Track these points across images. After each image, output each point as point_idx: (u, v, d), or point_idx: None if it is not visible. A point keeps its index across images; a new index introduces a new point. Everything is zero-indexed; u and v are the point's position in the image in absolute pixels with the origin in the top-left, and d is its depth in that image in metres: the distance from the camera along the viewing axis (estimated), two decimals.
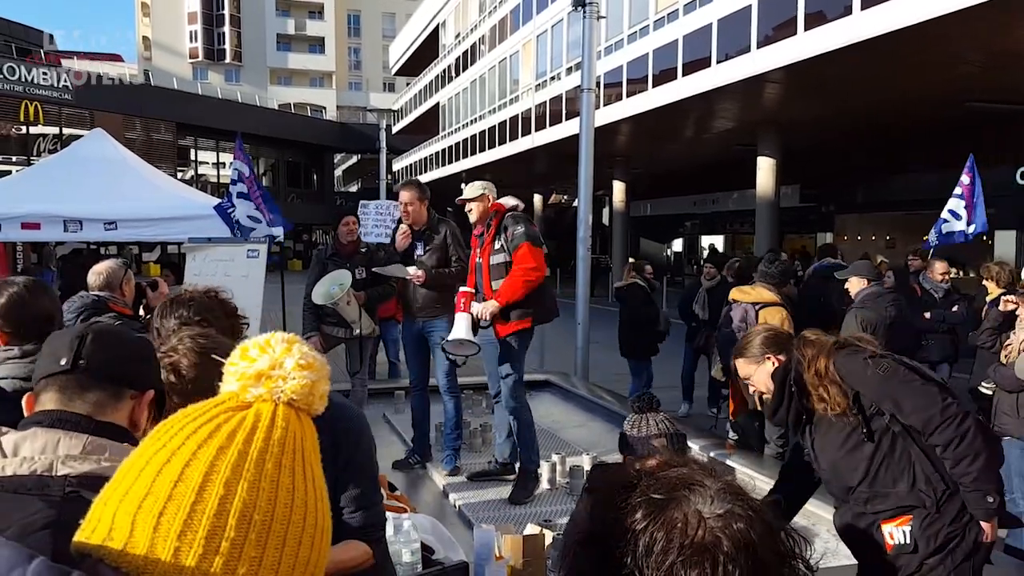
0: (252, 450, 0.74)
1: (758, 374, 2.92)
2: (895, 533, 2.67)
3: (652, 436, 2.79)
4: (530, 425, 5.34)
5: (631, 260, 11.41)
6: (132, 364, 1.63)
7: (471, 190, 5.34)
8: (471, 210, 5.32)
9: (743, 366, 2.97)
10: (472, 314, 5.09)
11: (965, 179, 8.35)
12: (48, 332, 2.78)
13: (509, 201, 5.34)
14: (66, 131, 29.99)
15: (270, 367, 0.80)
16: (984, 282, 6.90)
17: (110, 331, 1.69)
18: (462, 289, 5.24)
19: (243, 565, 0.70)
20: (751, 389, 3.02)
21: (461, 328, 5.08)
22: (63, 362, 1.55)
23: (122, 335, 1.69)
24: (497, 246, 5.14)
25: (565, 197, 41.83)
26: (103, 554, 0.71)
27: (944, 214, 8.55)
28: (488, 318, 5.06)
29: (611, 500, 0.90)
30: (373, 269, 6.13)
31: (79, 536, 0.73)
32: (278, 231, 7.98)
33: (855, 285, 5.98)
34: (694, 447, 5.99)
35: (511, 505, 5.07)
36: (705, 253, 35.36)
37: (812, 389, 2.72)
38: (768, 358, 2.90)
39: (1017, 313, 5.24)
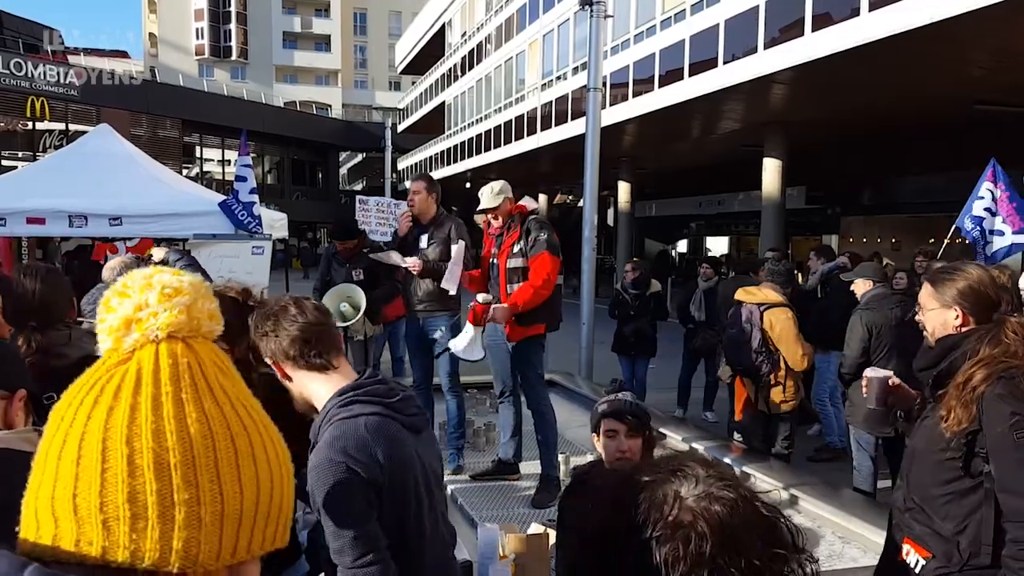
0: (143, 399, 0.70)
1: (934, 315, 2.61)
2: (911, 554, 2.53)
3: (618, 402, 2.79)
4: (553, 426, 5.34)
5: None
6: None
7: (490, 198, 5.19)
8: (497, 218, 5.23)
9: (927, 294, 2.64)
10: (484, 324, 5.04)
11: (996, 190, 7.37)
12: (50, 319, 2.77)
13: (531, 203, 5.30)
14: (72, 127, 30.00)
15: (136, 309, 0.74)
16: None
17: None
18: (479, 300, 5.15)
19: (180, 510, 0.68)
20: (918, 316, 2.72)
21: (465, 339, 5.03)
22: None
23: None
24: (516, 249, 5.09)
25: (570, 197, 41.83)
26: (39, 553, 0.68)
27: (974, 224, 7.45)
28: (502, 323, 5.04)
29: (616, 496, 0.90)
30: (369, 255, 6.13)
31: (21, 536, 0.71)
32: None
33: (861, 287, 5.95)
34: (699, 448, 5.98)
35: (531, 507, 5.08)
36: (711, 254, 35.37)
37: (951, 390, 2.39)
38: (955, 309, 2.56)
39: None
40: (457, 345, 5.03)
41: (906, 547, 2.54)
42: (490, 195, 5.22)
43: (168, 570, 0.68)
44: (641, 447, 2.76)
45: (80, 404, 0.71)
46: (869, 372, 2.89)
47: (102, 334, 0.75)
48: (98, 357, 0.78)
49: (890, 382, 2.83)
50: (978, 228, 7.41)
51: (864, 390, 2.92)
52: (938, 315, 2.60)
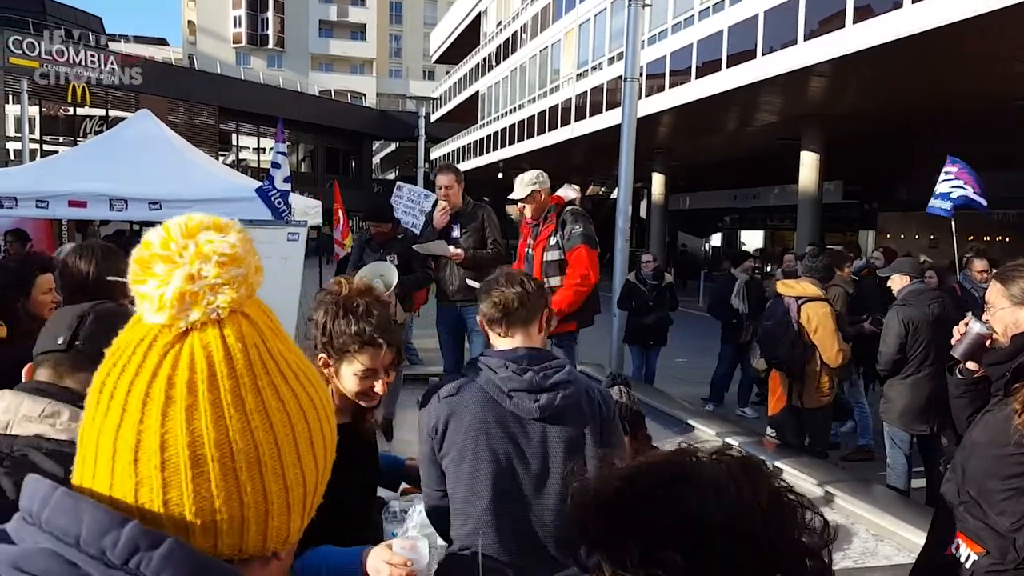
0: (223, 393, 0.66)
1: (1005, 313, 2.56)
2: (962, 548, 2.46)
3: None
4: None
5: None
6: None
7: (521, 188, 5.18)
8: (524, 208, 5.23)
9: (997, 292, 2.60)
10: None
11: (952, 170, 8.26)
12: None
13: (568, 193, 5.26)
14: (112, 113, 30.52)
15: (189, 280, 0.66)
16: None
17: (112, 313, 1.63)
18: None
19: (273, 501, 0.69)
20: (985, 316, 2.66)
21: None
22: (60, 341, 1.57)
23: (124, 318, 1.63)
24: (553, 242, 5.05)
25: (603, 189, 41.64)
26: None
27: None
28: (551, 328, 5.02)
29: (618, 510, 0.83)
30: (413, 246, 6.13)
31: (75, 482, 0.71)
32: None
33: (898, 282, 5.87)
34: (732, 443, 5.94)
35: None
36: (745, 248, 35.04)
37: None
38: None
39: None
40: None
41: (957, 541, 2.49)
42: (520, 185, 5.20)
43: (263, 555, 0.70)
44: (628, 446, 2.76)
45: (132, 385, 0.67)
46: (974, 325, 2.70)
47: (148, 303, 0.68)
48: None
49: (988, 342, 2.69)
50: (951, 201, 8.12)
51: (956, 336, 2.74)
52: (1009, 313, 2.56)
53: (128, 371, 0.68)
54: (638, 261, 9.40)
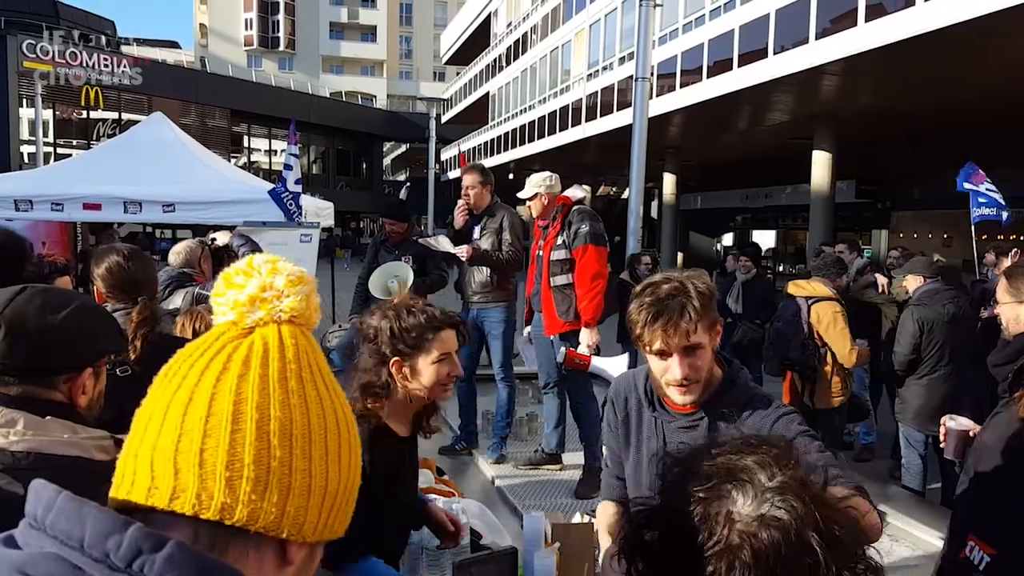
0: (272, 371, 0.75)
1: (1007, 309, 2.62)
2: (974, 551, 2.40)
3: None
4: (597, 417, 5.30)
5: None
6: (55, 351, 1.48)
7: (529, 188, 5.23)
8: (529, 207, 5.29)
9: (1002, 288, 2.65)
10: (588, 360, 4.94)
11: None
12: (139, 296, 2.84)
13: (576, 193, 5.25)
14: (125, 116, 30.75)
15: (261, 289, 0.79)
16: None
17: (26, 321, 1.46)
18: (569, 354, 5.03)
19: (296, 478, 0.72)
20: (996, 309, 2.73)
21: (612, 364, 4.95)
22: None
23: (42, 321, 1.48)
24: (559, 241, 5.06)
25: (614, 189, 41.59)
26: (152, 503, 0.70)
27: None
28: (594, 343, 5.00)
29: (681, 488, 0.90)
30: (418, 240, 6.12)
31: (116, 494, 0.73)
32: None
33: (912, 283, 5.84)
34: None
35: (574, 498, 5.07)
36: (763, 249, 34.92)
37: None
38: None
39: None
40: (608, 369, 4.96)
41: (970, 544, 2.47)
42: (529, 184, 5.24)
43: (276, 534, 0.72)
44: None
45: (206, 367, 0.75)
46: (949, 423, 2.74)
47: (223, 307, 0.79)
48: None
49: (971, 433, 2.72)
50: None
51: (943, 439, 2.79)
52: (1011, 309, 2.59)
53: (194, 357, 0.77)
54: (634, 260, 9.33)
